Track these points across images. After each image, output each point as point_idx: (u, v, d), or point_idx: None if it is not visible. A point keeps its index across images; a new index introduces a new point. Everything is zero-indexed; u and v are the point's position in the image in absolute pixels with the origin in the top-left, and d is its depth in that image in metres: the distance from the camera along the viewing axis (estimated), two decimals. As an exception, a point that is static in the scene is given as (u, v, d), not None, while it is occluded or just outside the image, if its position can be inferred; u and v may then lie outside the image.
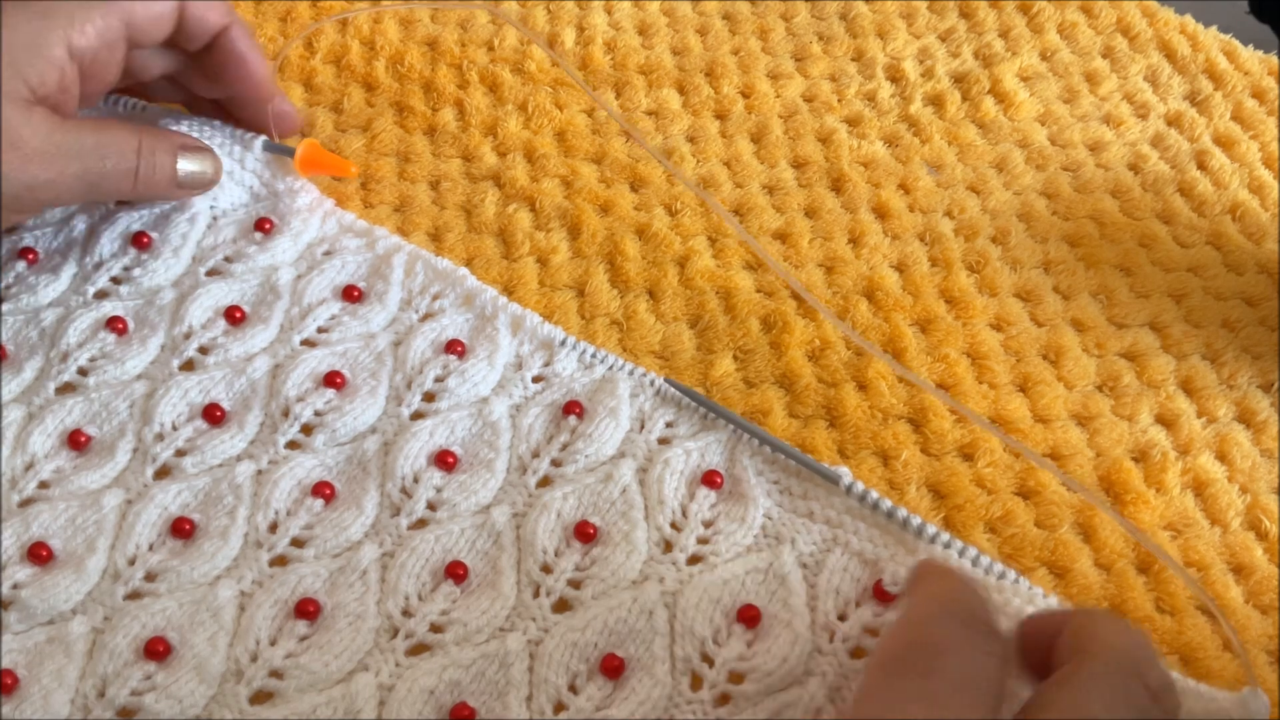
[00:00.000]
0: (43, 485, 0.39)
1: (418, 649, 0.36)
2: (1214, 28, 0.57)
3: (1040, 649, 0.30)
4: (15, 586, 0.37)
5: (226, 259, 0.46)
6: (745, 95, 0.55)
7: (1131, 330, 0.46)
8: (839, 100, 0.54)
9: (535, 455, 0.40)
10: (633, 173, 0.51)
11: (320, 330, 0.44)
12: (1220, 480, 0.41)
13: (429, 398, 0.42)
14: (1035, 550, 0.39)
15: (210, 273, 0.46)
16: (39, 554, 0.37)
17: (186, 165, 0.44)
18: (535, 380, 0.42)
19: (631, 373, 0.42)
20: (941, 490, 0.41)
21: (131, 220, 0.47)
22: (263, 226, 0.47)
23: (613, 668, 0.35)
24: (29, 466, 0.40)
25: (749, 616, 0.36)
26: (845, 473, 0.38)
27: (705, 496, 0.39)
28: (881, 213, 0.50)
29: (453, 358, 0.43)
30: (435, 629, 0.36)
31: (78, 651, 0.36)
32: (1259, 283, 0.47)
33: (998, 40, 0.56)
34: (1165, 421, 0.43)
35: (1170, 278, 0.47)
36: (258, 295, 0.45)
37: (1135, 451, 0.42)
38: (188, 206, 0.47)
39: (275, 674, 0.35)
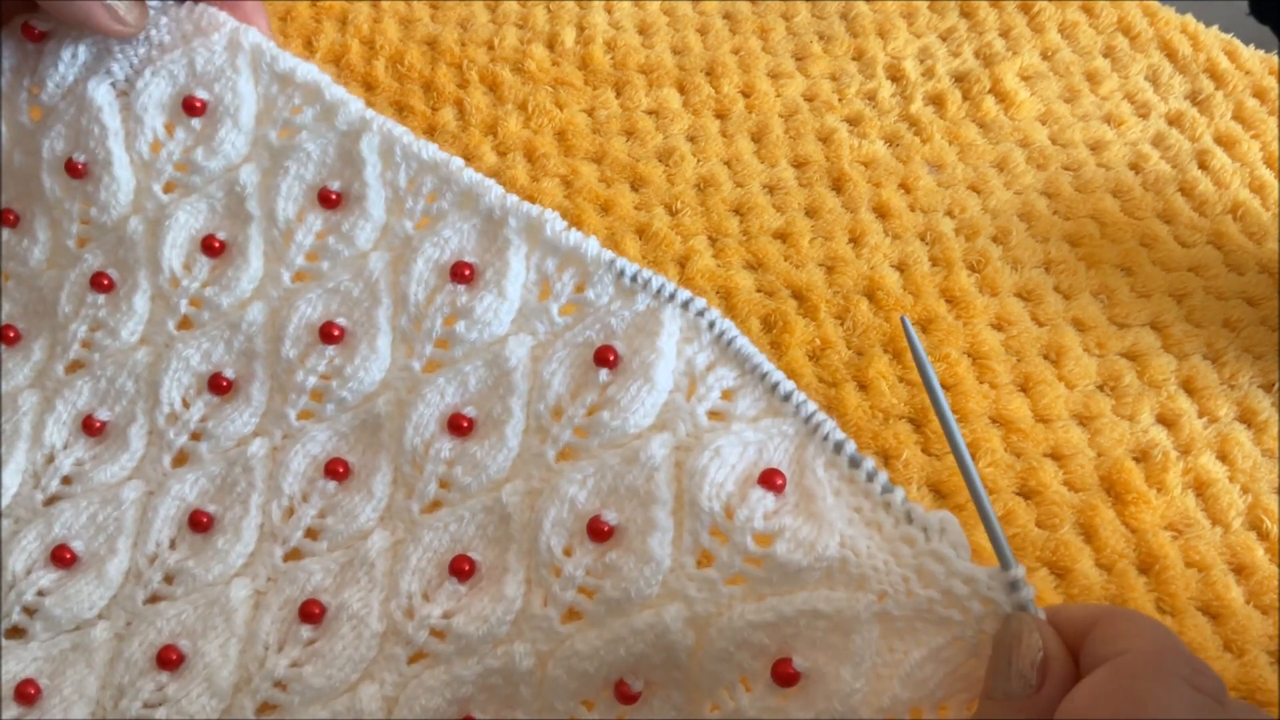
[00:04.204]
0: (65, 481, 0.39)
1: (419, 656, 0.35)
2: (1215, 27, 0.57)
3: (1068, 644, 0.28)
4: (40, 593, 0.36)
5: (178, 168, 0.40)
6: (745, 94, 0.55)
7: (1132, 330, 0.46)
8: (839, 100, 0.54)
9: (557, 415, 0.34)
10: (633, 172, 0.51)
11: (309, 258, 0.39)
12: (1221, 480, 0.41)
13: (441, 344, 0.37)
14: (1036, 550, 0.39)
15: (167, 187, 0.41)
16: (62, 556, 0.37)
17: None
18: (564, 312, 0.35)
19: (686, 305, 0.33)
20: (942, 490, 0.41)
21: (55, 144, 0.41)
22: (193, 108, 0.40)
23: (625, 696, 0.31)
24: (50, 460, 0.39)
25: (783, 674, 0.28)
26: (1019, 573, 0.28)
27: (760, 499, 0.30)
28: (882, 212, 0.50)
29: (461, 288, 0.36)
30: (437, 635, 0.34)
31: (99, 661, 0.35)
32: (1260, 282, 0.47)
33: (998, 40, 0.56)
34: (1166, 421, 0.43)
35: (1171, 277, 0.47)
36: (226, 209, 0.40)
37: (1136, 451, 0.42)
38: (87, 106, 0.40)
39: (279, 685, 0.34)
